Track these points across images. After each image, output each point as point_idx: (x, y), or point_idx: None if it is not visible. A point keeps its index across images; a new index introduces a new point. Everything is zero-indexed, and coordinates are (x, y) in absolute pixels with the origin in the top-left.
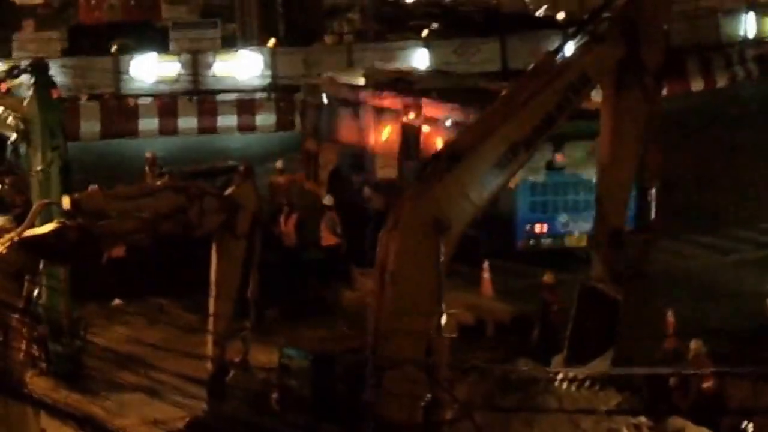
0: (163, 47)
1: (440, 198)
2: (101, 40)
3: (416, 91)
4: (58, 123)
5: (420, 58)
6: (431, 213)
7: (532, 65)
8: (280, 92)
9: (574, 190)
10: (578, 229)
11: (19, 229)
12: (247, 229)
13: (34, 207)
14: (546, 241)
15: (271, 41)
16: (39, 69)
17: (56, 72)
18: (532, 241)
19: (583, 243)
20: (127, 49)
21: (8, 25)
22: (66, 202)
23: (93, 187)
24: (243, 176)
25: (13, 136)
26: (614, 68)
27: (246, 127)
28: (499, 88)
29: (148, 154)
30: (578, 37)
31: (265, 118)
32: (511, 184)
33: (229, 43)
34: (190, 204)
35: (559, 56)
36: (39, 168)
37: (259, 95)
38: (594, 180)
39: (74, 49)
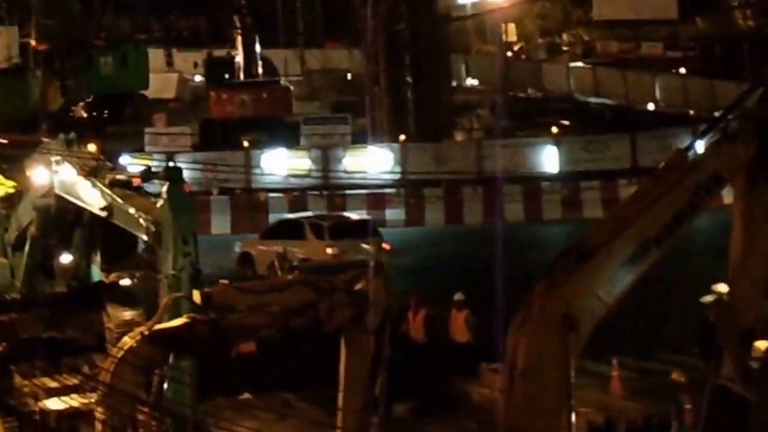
0: (293, 142)
1: (570, 296)
2: (232, 135)
3: None
4: (190, 230)
5: (549, 155)
6: (561, 311)
7: (663, 163)
8: (410, 188)
9: None
10: None
11: (148, 323)
12: (377, 324)
13: (164, 301)
14: None
15: (401, 137)
16: (173, 175)
17: (187, 166)
18: None
19: None
20: (258, 144)
21: (141, 119)
22: (197, 296)
23: (223, 281)
24: (373, 271)
25: (144, 237)
26: (746, 166)
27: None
28: None
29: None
30: (710, 135)
31: (394, 214)
32: None
33: (359, 139)
34: (320, 299)
35: (690, 153)
36: (170, 272)
37: (388, 190)
38: None
39: (205, 144)
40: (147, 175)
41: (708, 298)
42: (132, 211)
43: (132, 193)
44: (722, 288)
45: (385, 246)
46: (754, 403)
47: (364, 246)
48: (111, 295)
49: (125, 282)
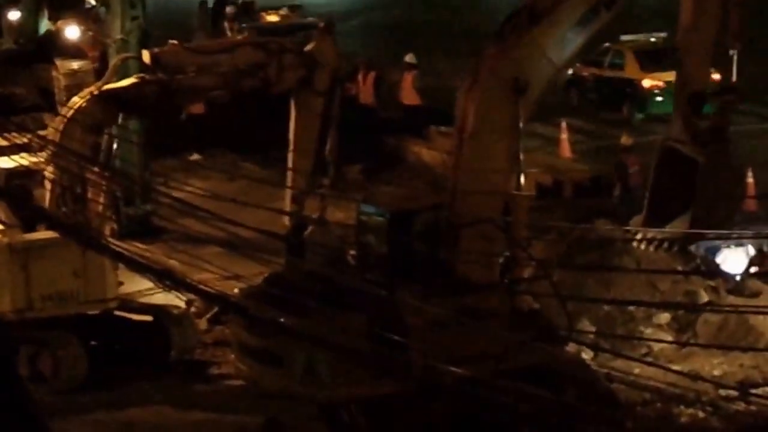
0: None
1: (520, 58)
2: None
3: None
4: None
5: None
6: (510, 73)
7: None
8: None
9: None
10: None
11: (98, 83)
12: (326, 85)
13: (113, 61)
14: None
15: None
16: None
17: None
18: None
19: None
20: None
21: None
22: (146, 56)
23: (172, 42)
24: (323, 33)
25: (92, 1)
26: None
27: None
28: None
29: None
30: None
31: None
32: None
33: None
34: (269, 60)
35: None
36: (118, 37)
37: None
38: None
39: None
40: None
41: None
42: None
43: None
44: None
45: None
46: (701, 164)
47: None
48: (59, 46)
49: (72, 31)
